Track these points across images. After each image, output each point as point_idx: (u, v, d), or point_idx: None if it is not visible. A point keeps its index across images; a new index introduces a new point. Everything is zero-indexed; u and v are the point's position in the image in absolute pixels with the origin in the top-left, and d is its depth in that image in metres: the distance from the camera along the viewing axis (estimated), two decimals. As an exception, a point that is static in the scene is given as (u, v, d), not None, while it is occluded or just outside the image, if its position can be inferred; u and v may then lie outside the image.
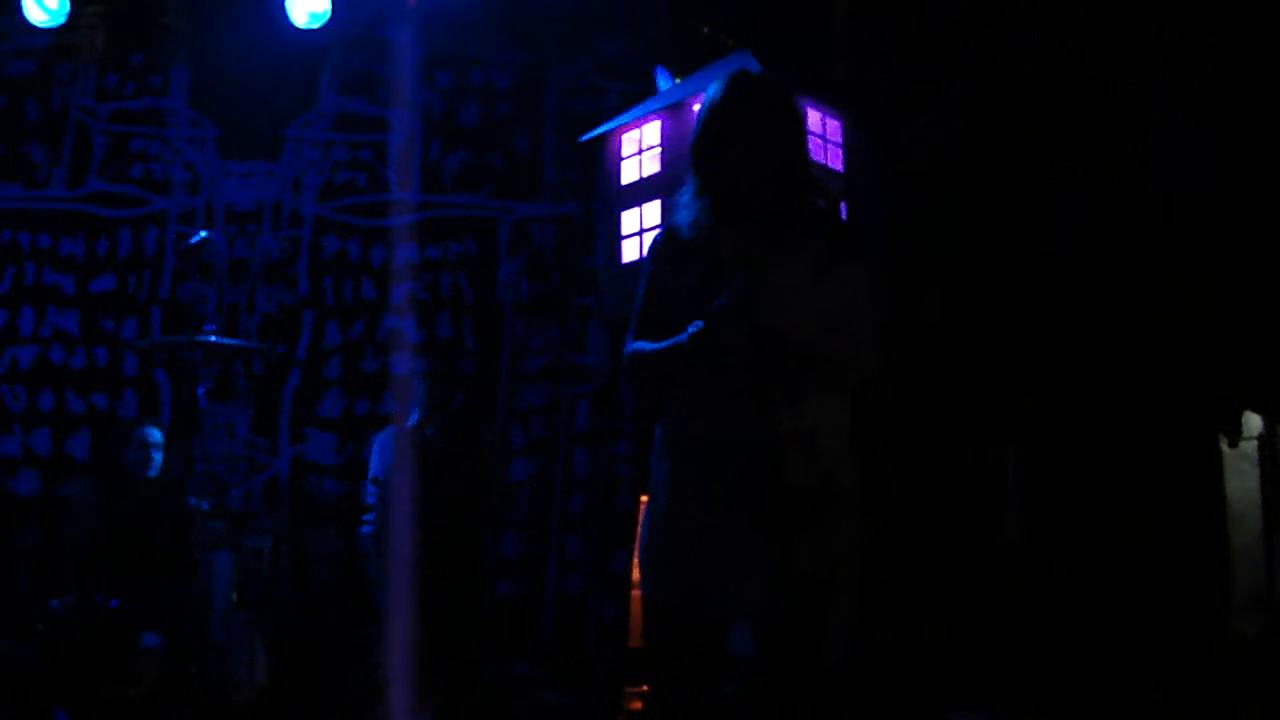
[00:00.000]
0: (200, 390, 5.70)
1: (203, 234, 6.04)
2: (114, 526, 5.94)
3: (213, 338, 5.68)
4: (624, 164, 5.82)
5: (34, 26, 6.87)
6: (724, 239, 3.32)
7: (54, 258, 7.03)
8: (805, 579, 3.22)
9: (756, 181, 3.32)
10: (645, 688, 6.83)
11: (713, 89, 3.40)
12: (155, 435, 6.18)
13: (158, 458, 6.15)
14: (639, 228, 5.69)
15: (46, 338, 6.97)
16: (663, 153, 5.61)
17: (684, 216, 3.42)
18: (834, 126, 5.40)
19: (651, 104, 5.81)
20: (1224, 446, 5.08)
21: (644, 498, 4.92)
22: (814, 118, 5.27)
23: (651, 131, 5.69)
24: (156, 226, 7.13)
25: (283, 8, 6.82)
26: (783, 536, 3.19)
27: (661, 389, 3.44)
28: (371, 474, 6.04)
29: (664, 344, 3.30)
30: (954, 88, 5.28)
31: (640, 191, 5.70)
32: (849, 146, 5.40)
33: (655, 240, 3.51)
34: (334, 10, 6.85)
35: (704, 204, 3.37)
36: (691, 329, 3.14)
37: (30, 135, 7.13)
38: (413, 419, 6.03)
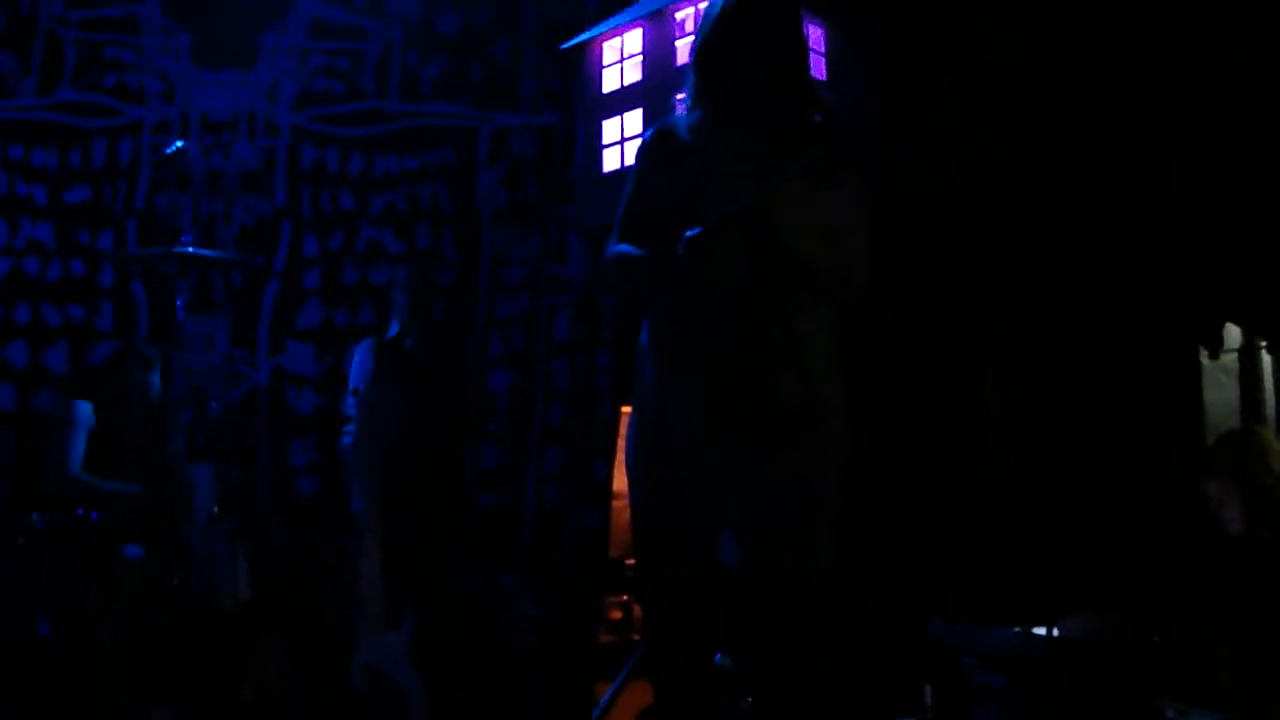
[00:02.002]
0: (178, 302, 5.68)
1: (178, 144, 5.98)
2: (109, 442, 5.94)
3: (190, 249, 5.64)
4: (605, 72, 5.76)
5: (2, -68, 6.78)
6: (721, 147, 3.30)
7: (27, 168, 6.95)
8: (790, 492, 3.23)
9: (758, 92, 3.30)
10: (625, 597, 6.88)
11: None
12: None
13: (156, 379, 6.13)
14: (620, 136, 5.64)
15: (21, 249, 6.91)
16: (644, 61, 5.55)
17: (680, 121, 3.39)
18: (816, 34, 5.34)
19: (633, 11, 5.74)
20: (1204, 359, 5.08)
21: (625, 408, 4.93)
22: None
23: (633, 39, 5.63)
24: (131, 137, 7.05)
25: (258, -88, 6.73)
26: (769, 449, 3.20)
27: (645, 294, 3.42)
28: (351, 385, 6.02)
29: (653, 250, 3.27)
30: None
31: (621, 100, 5.65)
32: (831, 54, 5.35)
33: (645, 142, 3.47)
34: (310, -85, 6.76)
35: (702, 110, 3.35)
36: (689, 235, 3.11)
37: (0, 43, 7.02)
38: (392, 330, 6.02)
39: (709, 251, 3.10)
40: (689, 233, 3.11)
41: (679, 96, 3.49)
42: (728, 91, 3.33)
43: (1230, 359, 5.13)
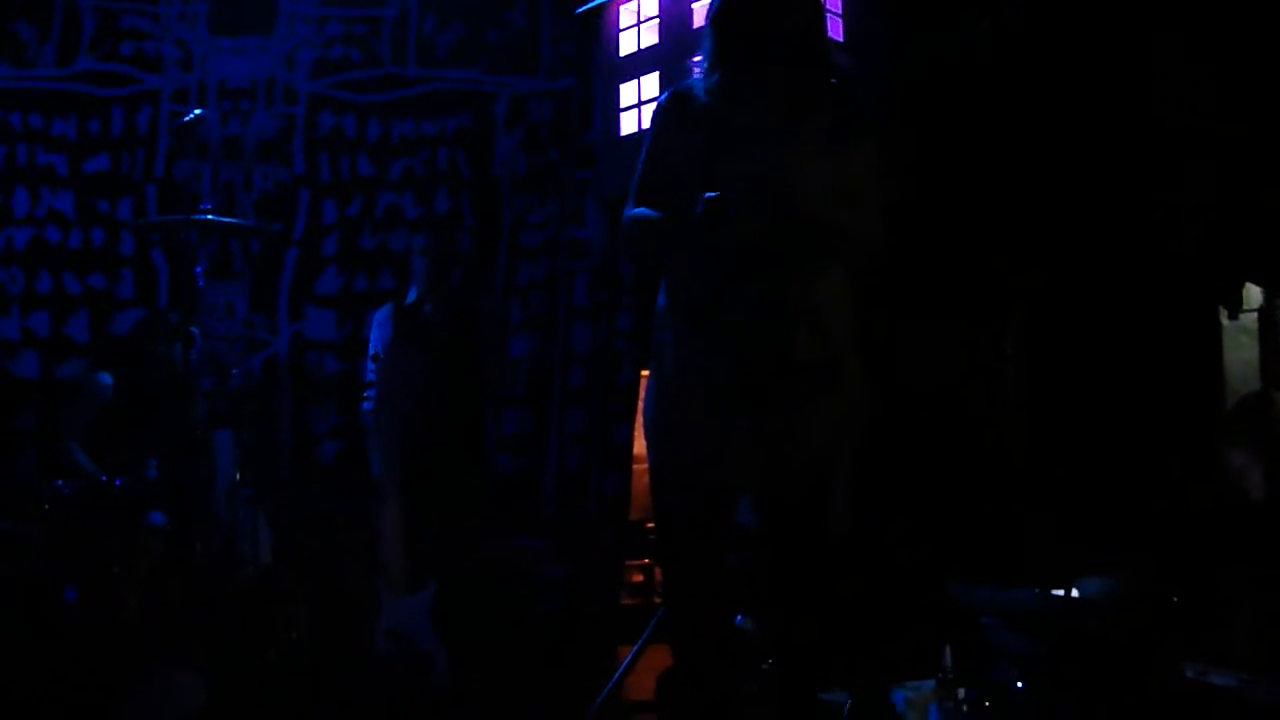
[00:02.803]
0: (198, 269, 5.69)
1: (196, 111, 5.99)
2: (130, 410, 5.98)
3: (209, 216, 5.66)
4: (622, 36, 5.76)
5: (19, -101, 6.78)
6: (737, 110, 3.30)
7: (46, 138, 6.96)
8: (808, 454, 3.24)
9: (775, 54, 3.29)
10: (646, 560, 6.90)
11: None
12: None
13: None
14: (637, 100, 5.64)
15: (42, 219, 6.93)
16: (661, 24, 5.54)
17: (696, 84, 3.39)
18: (834, -6, 5.33)
19: (649, -26, 5.74)
20: (1223, 319, 5.07)
21: (645, 372, 4.93)
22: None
23: (649, 2, 5.61)
24: (149, 105, 7.05)
25: (272, -122, 6.72)
26: (787, 410, 3.21)
27: (663, 257, 3.43)
28: (371, 350, 6.04)
29: (670, 213, 3.28)
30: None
31: (638, 64, 5.64)
32: (848, 16, 5.33)
33: (661, 105, 3.48)
34: (325, -121, 6.74)
35: (719, 73, 3.35)
36: (707, 196, 3.11)
37: (18, 13, 7.01)
38: (411, 295, 6.03)
39: (726, 212, 3.11)
40: (707, 195, 3.11)
41: (695, 59, 3.48)
42: (744, 54, 3.33)
43: (1250, 319, 5.11)
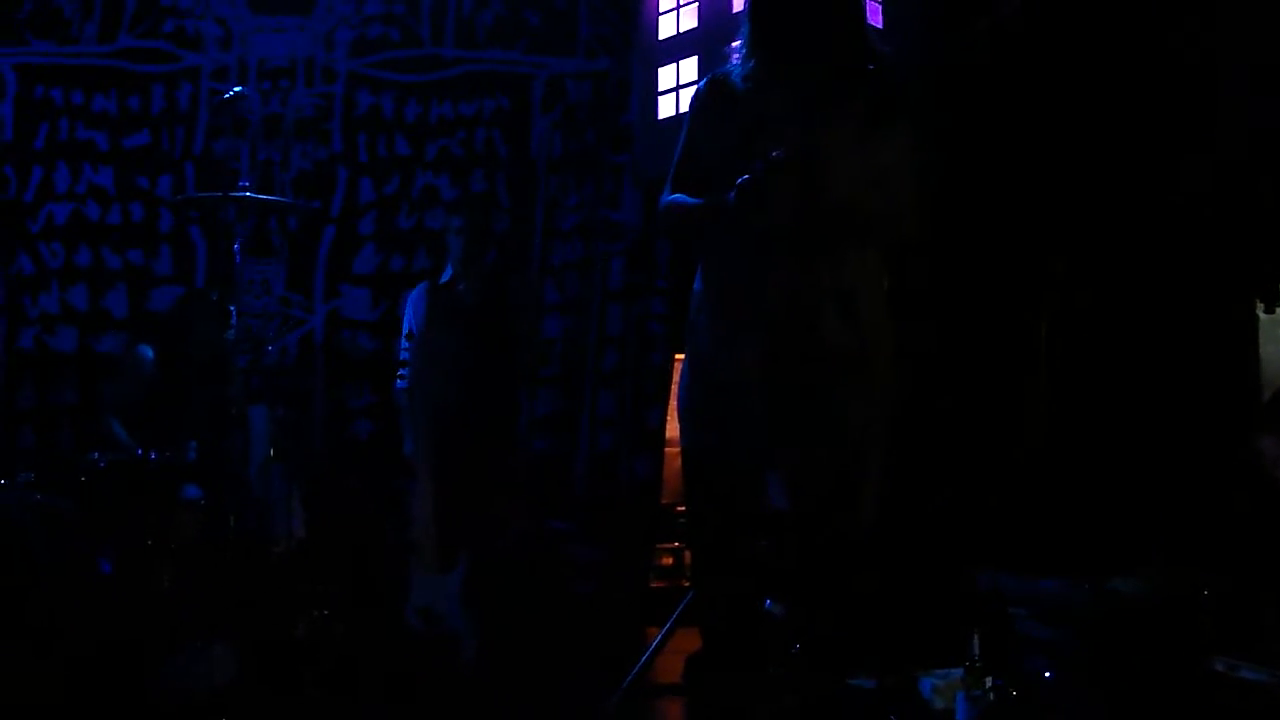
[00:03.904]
0: (236, 246, 5.72)
1: (236, 89, 6.01)
2: (169, 387, 6.02)
3: (247, 194, 5.69)
4: (661, 19, 5.76)
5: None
6: (774, 96, 3.30)
7: (88, 114, 7.00)
8: (837, 440, 3.25)
9: (812, 41, 3.29)
10: (676, 544, 6.91)
11: None
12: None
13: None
14: (675, 83, 5.65)
15: (82, 194, 6.97)
16: (700, 7, 5.55)
17: (734, 70, 3.40)
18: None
19: (689, -43, 5.73)
20: (1259, 312, 5.03)
21: (678, 356, 4.93)
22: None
23: (689, -14, 5.63)
24: (189, 82, 7.08)
25: None
26: (817, 395, 3.22)
27: (699, 241, 3.45)
28: (405, 329, 6.07)
29: (706, 197, 3.29)
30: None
31: (677, 47, 5.65)
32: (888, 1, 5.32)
33: (699, 91, 3.49)
34: None
35: (756, 59, 3.35)
36: (740, 181, 3.12)
37: (61, -12, 7.08)
38: (446, 275, 6.05)
39: (758, 195, 3.12)
40: (740, 179, 3.12)
41: (734, 44, 3.49)
42: (782, 40, 3.33)
43: (1287, 312, 5.08)
